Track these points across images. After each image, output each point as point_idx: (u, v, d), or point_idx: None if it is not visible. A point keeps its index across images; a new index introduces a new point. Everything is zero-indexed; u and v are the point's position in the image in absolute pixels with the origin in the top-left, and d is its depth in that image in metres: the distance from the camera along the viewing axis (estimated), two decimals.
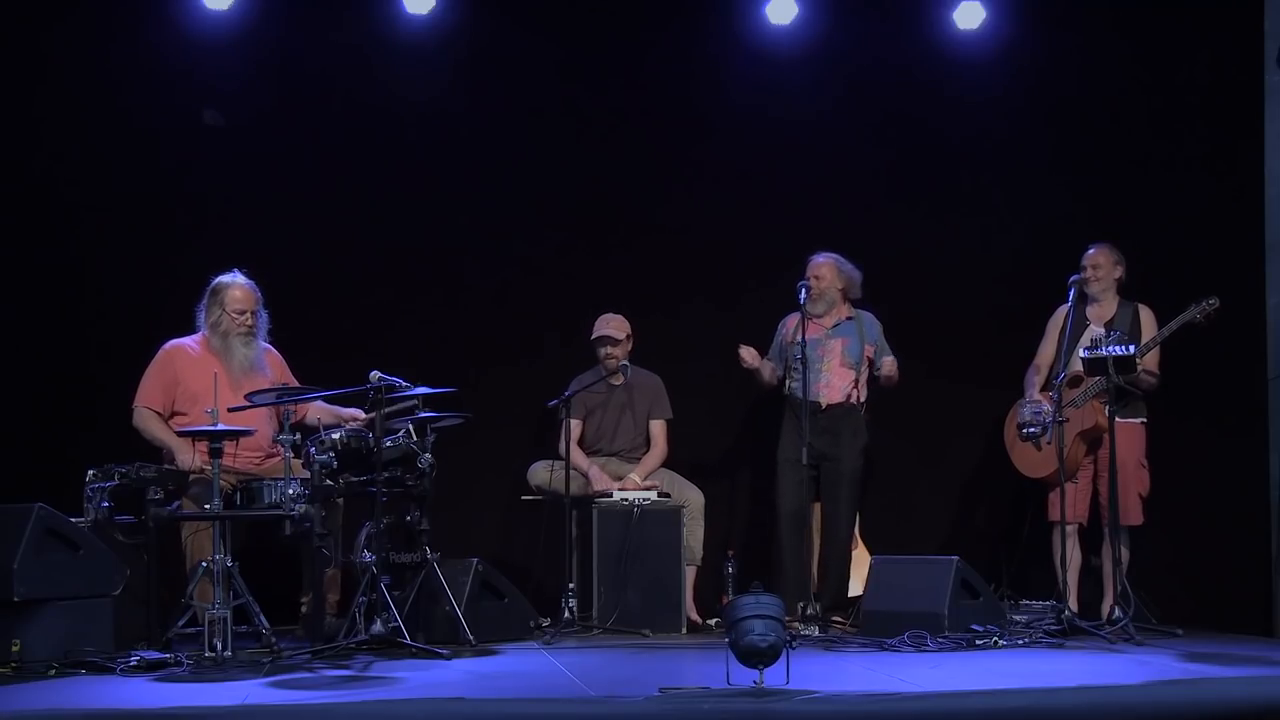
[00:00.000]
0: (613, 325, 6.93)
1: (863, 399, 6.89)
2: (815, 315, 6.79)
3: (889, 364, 6.78)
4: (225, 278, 6.31)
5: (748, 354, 6.80)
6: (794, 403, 6.78)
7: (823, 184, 7.53)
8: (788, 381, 6.88)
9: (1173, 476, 6.79)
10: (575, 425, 6.87)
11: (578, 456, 6.83)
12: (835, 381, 6.81)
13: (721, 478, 7.43)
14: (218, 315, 6.25)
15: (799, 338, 6.70)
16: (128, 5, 7.11)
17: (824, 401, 6.75)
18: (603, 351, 6.93)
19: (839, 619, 6.67)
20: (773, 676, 4.44)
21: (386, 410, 5.77)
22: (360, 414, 6.26)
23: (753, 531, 7.32)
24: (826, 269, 6.86)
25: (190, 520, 5.85)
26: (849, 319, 6.90)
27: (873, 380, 6.91)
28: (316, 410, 6.31)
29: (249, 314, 6.25)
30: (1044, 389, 6.77)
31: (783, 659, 4.45)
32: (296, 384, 6.17)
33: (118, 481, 5.67)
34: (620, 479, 6.88)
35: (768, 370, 6.89)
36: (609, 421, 7.02)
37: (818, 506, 6.92)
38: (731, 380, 7.16)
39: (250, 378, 6.17)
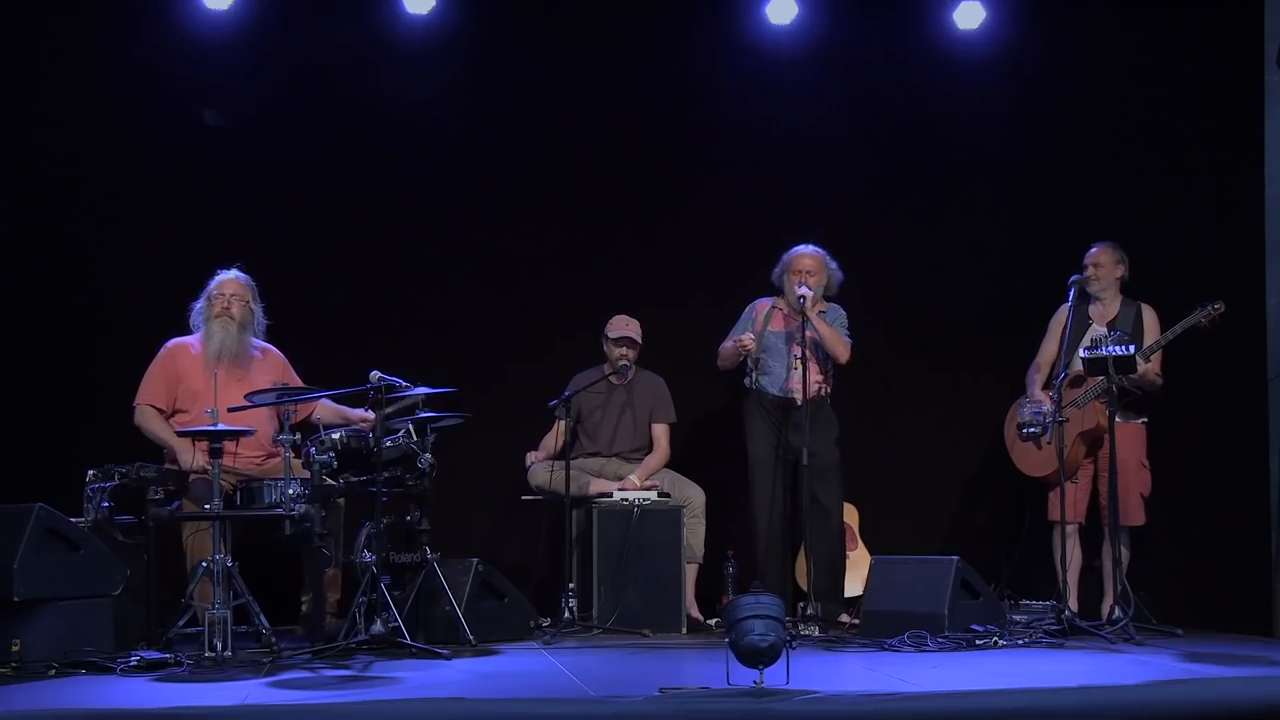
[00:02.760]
0: (632, 328, 6.93)
1: (829, 391, 6.86)
2: (795, 310, 6.71)
3: (811, 298, 6.62)
4: (220, 274, 6.33)
5: (748, 340, 6.76)
6: (760, 396, 6.79)
7: (822, 183, 7.54)
8: (754, 375, 6.84)
9: (1173, 477, 6.79)
10: (561, 426, 6.87)
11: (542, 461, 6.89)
12: (807, 376, 6.76)
13: (722, 477, 7.42)
14: (206, 305, 6.28)
15: (772, 327, 6.69)
16: (128, 5, 7.12)
17: (797, 398, 6.69)
18: (618, 351, 6.92)
19: (846, 618, 6.67)
20: (773, 676, 4.44)
21: (387, 410, 5.77)
22: (370, 415, 6.26)
23: (753, 531, 7.31)
24: (817, 266, 6.79)
25: (190, 520, 5.86)
26: (820, 314, 6.84)
27: (839, 373, 6.87)
28: (322, 410, 6.30)
29: (226, 297, 6.25)
30: (1044, 388, 6.78)
31: (783, 659, 4.45)
32: (299, 384, 6.18)
33: (118, 481, 5.67)
34: (621, 479, 6.88)
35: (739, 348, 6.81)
36: (608, 422, 7.02)
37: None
38: (732, 379, 7.16)
39: (229, 368, 6.12)
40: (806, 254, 6.81)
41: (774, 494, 6.73)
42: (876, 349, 7.14)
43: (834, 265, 6.86)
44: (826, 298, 6.89)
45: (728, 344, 6.86)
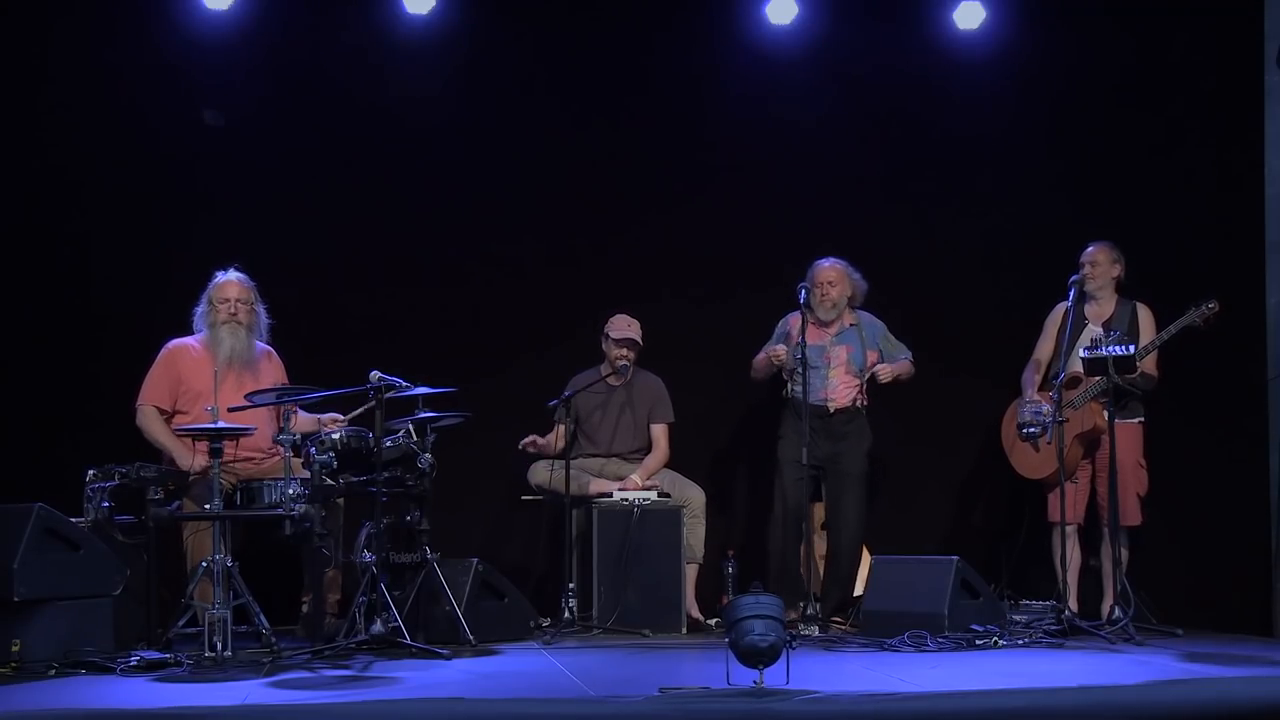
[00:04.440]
0: (634, 329, 6.92)
1: (866, 402, 6.90)
2: (822, 322, 6.80)
3: (885, 371, 6.79)
4: (219, 275, 6.33)
5: (782, 351, 6.78)
6: (795, 405, 6.79)
7: (822, 183, 7.54)
8: (789, 385, 6.89)
9: (1173, 476, 6.79)
10: (560, 429, 6.88)
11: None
12: (841, 387, 6.83)
13: (722, 477, 7.43)
14: (209, 309, 6.27)
15: (799, 339, 6.70)
16: (128, 5, 7.12)
17: (831, 407, 6.77)
18: (619, 352, 6.91)
19: (839, 619, 6.67)
20: (773, 676, 4.44)
21: (359, 410, 5.76)
22: (339, 416, 6.25)
23: (753, 531, 7.32)
24: (838, 277, 6.84)
25: (190, 520, 5.85)
26: (852, 325, 6.90)
27: (873, 383, 6.91)
28: (301, 424, 6.13)
29: (231, 302, 6.24)
30: (1042, 388, 6.77)
31: (783, 659, 4.45)
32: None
33: (118, 481, 5.67)
34: (621, 479, 6.88)
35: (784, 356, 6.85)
36: (608, 422, 7.01)
37: (816, 507, 6.94)
38: (732, 380, 7.17)
39: (240, 372, 6.14)
40: (826, 266, 6.87)
41: (800, 495, 6.73)
42: None
43: (856, 275, 6.91)
44: (853, 306, 6.93)
45: (760, 355, 6.87)
